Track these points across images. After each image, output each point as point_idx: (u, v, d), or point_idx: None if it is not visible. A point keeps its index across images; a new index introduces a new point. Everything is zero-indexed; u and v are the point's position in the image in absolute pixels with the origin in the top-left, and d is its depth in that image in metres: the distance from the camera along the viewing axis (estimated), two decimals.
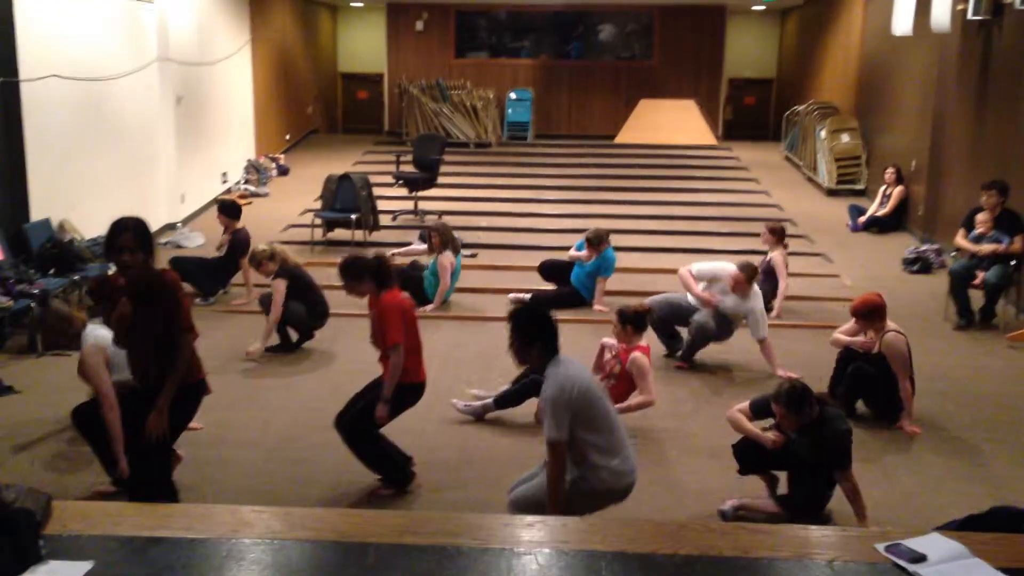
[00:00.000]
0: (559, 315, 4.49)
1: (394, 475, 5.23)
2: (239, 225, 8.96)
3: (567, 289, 8.93)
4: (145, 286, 4.13)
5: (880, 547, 3.05)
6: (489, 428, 6.17)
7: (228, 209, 9.05)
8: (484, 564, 2.92)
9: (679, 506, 5.17)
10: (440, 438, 5.99)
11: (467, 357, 7.54)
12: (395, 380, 5.02)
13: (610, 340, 6.32)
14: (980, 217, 8.48)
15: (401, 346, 5.01)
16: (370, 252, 5.47)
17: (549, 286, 9.20)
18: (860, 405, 6.48)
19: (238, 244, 8.80)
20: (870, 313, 6.23)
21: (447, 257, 8.75)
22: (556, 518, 3.57)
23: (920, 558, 2.96)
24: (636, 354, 6.00)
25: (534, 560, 2.94)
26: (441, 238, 8.75)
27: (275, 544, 3.02)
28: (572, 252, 9.11)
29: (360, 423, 5.09)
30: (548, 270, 9.30)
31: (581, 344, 6.77)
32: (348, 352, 7.61)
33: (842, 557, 3.00)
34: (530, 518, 3.31)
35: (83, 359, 4.99)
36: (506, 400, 6.26)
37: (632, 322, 6.06)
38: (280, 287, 7.46)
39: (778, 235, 8.89)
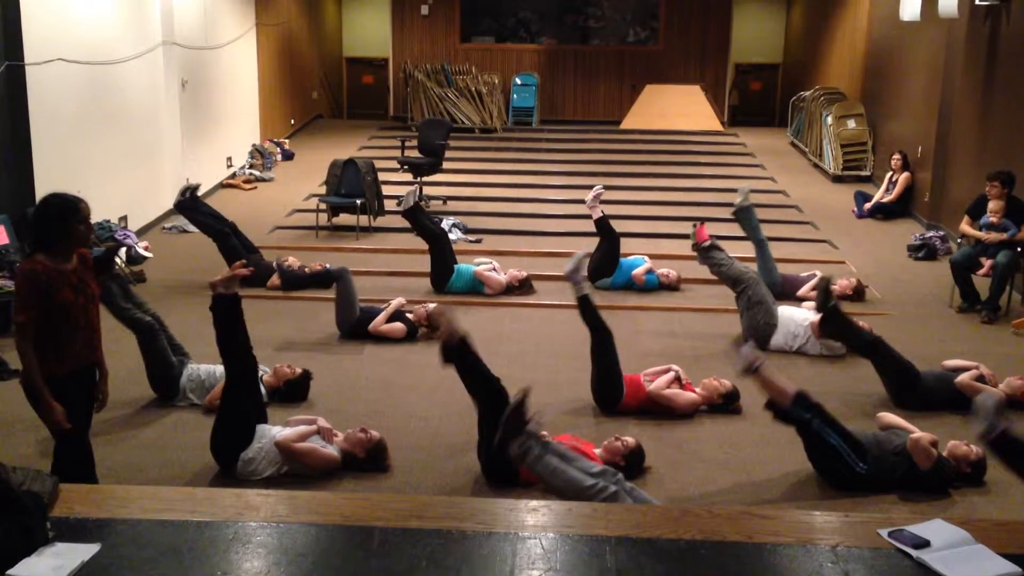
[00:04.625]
0: None
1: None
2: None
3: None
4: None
5: (883, 532, 3.06)
6: None
7: None
8: (489, 548, 2.93)
9: (682, 492, 5.19)
10: (445, 424, 6.01)
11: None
12: None
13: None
14: (992, 206, 8.46)
15: None
16: None
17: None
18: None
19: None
20: None
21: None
22: (561, 503, 3.59)
23: (923, 544, 2.97)
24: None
25: (539, 544, 2.95)
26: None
27: (280, 527, 3.04)
28: (642, 267, 9.04)
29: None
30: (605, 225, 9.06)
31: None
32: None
33: (845, 542, 3.01)
34: (535, 502, 3.32)
35: None
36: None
37: None
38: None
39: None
